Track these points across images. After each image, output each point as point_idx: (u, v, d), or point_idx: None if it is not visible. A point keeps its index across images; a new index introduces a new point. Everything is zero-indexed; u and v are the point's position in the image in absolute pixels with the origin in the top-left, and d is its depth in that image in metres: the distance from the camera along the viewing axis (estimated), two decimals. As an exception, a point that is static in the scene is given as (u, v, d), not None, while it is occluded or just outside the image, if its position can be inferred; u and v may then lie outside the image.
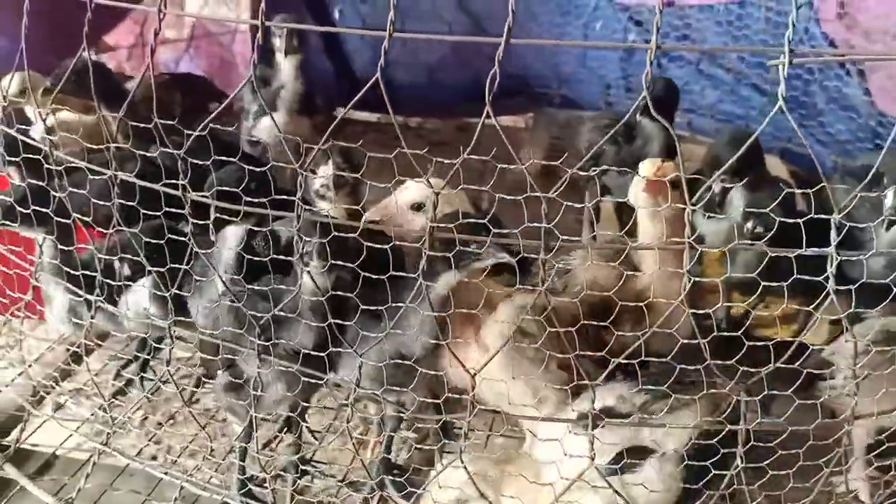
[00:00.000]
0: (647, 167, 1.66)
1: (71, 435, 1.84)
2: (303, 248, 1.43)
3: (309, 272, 1.43)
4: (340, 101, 3.61)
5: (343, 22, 3.70)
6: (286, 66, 2.55)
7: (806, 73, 2.97)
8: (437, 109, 3.93)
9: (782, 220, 1.26)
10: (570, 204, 1.34)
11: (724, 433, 1.32)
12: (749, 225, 1.78)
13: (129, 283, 1.70)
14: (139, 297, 1.71)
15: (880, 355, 1.41)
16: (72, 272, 1.65)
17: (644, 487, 1.37)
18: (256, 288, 1.57)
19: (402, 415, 1.87)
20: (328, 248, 1.42)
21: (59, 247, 1.67)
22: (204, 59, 3.31)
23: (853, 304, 1.24)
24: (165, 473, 1.71)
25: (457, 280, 1.45)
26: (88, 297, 1.62)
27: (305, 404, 1.73)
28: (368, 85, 1.27)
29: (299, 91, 2.59)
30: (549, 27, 3.57)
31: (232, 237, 1.66)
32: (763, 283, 1.28)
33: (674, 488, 1.40)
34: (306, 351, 1.50)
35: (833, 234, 1.19)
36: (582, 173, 1.31)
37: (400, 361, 1.49)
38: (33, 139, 1.71)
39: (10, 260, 1.76)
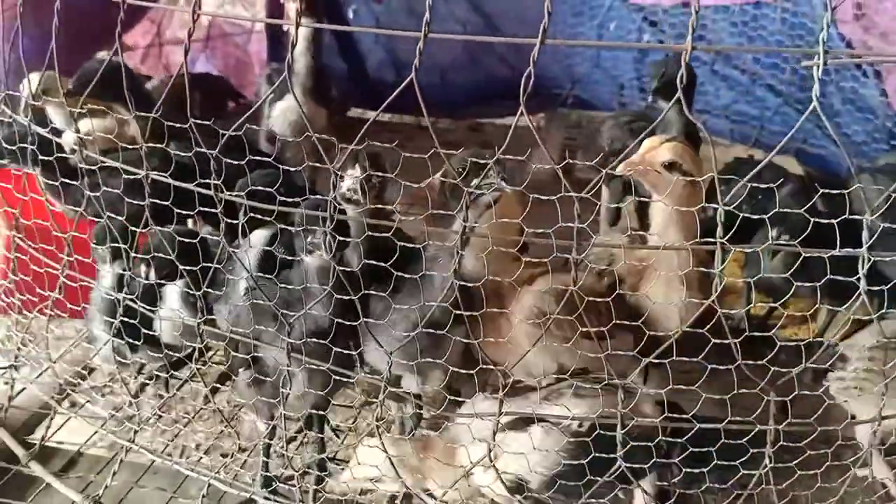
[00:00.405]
0: (644, 146, 1.66)
1: (96, 432, 1.86)
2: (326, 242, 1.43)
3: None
4: (354, 102, 3.64)
5: (357, 22, 3.71)
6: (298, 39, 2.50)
7: (822, 73, 2.97)
8: (449, 109, 3.95)
9: (816, 220, 1.27)
10: (597, 202, 1.36)
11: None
12: (773, 233, 1.77)
13: (162, 282, 1.71)
14: (169, 300, 1.73)
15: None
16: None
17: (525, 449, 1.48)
18: (281, 286, 1.58)
19: (421, 412, 1.89)
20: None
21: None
22: (219, 59, 3.33)
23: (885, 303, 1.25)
24: (192, 470, 1.72)
25: (471, 221, 1.45)
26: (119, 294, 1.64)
27: (330, 401, 1.75)
28: (403, 85, 1.29)
29: (311, 65, 2.56)
30: (563, 27, 3.57)
31: (256, 240, 1.68)
32: (796, 284, 1.29)
33: (553, 458, 1.49)
34: (335, 349, 1.52)
35: (865, 234, 1.20)
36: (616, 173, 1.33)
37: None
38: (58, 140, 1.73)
39: (39, 259, 1.78)
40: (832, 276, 1.28)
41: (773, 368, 1.27)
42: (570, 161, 1.46)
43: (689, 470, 1.44)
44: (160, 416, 1.89)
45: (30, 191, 1.83)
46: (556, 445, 1.48)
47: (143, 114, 1.50)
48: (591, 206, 1.45)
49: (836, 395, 1.68)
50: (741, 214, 1.26)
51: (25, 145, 1.71)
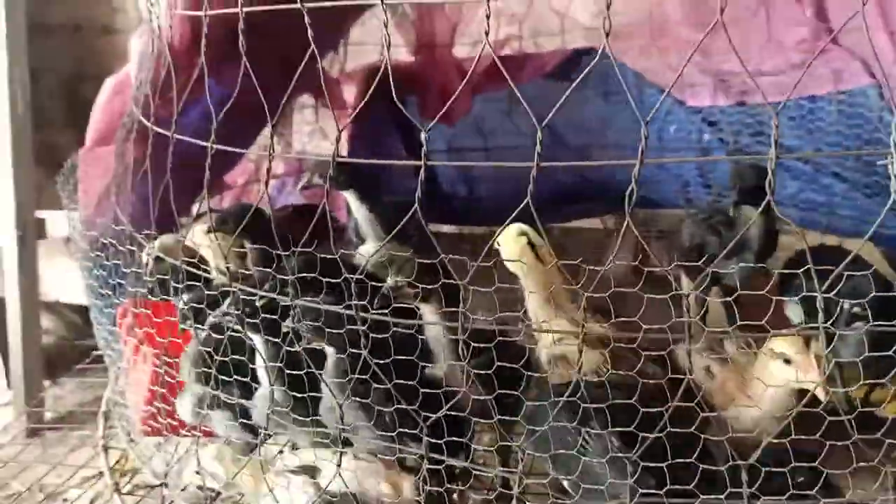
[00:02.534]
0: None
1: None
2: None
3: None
4: (431, 218, 3.89)
5: (430, 144, 4.01)
6: (351, 199, 2.73)
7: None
8: (520, 216, 4.17)
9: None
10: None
11: None
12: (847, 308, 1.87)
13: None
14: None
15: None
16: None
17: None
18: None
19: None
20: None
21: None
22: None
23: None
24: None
25: None
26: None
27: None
28: (408, 215, 1.50)
29: (368, 217, 2.76)
30: (625, 133, 3.81)
31: None
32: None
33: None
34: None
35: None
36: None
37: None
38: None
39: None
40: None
41: (886, 441, 1.38)
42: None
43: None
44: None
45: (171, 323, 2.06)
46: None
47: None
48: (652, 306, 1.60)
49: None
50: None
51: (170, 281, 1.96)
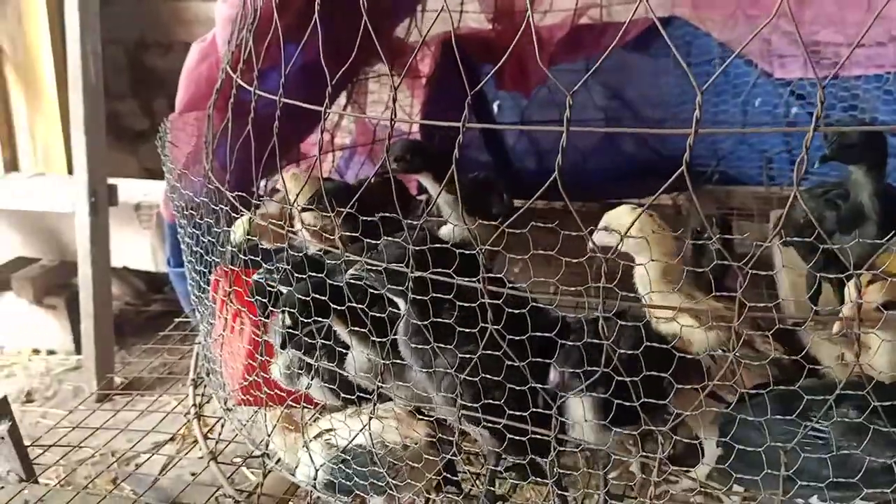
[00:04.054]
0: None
1: None
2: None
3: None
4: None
5: (501, 116, 3.97)
6: (427, 182, 2.64)
7: None
8: (588, 192, 4.09)
9: None
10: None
11: None
12: None
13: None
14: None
15: None
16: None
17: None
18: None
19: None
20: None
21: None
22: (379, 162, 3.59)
23: None
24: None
25: None
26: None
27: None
28: (549, 182, 1.38)
29: (447, 199, 2.68)
30: (706, 106, 3.70)
31: None
32: None
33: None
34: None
35: None
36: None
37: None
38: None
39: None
40: None
41: None
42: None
43: None
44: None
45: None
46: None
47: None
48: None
49: None
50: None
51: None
